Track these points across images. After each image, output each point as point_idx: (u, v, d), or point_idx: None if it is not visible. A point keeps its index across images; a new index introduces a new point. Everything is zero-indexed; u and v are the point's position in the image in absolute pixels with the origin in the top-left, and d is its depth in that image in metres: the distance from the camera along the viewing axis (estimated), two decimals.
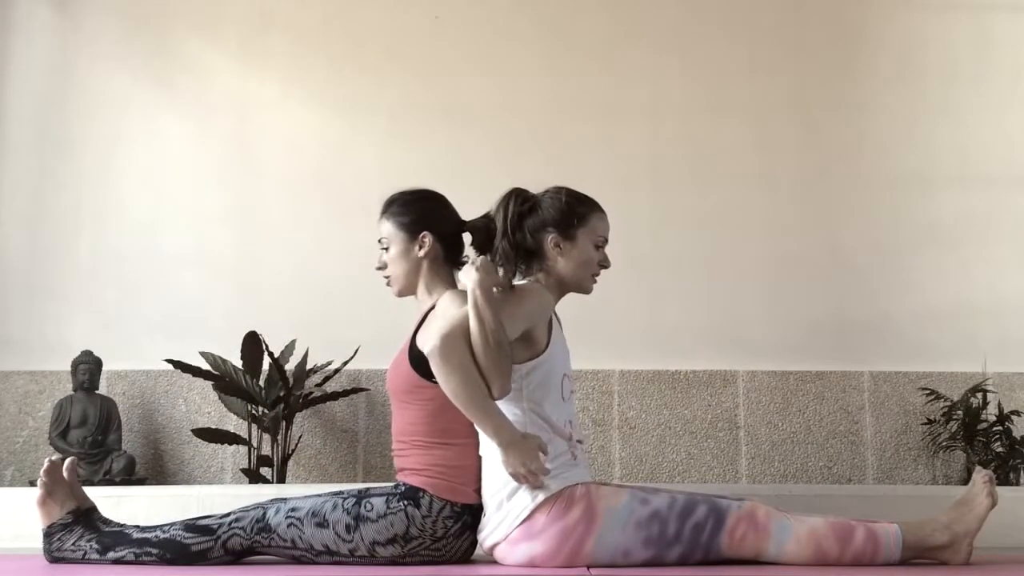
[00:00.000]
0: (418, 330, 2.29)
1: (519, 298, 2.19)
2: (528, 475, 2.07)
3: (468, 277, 2.15)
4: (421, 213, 2.38)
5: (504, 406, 2.16)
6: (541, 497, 2.10)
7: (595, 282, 2.35)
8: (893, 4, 4.21)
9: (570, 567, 2.10)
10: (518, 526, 2.11)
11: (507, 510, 2.13)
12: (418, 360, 2.22)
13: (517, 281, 2.32)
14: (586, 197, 2.37)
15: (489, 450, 2.17)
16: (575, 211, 2.31)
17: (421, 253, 2.35)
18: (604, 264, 2.35)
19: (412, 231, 2.36)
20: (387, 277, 2.40)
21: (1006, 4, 4.18)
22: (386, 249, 2.39)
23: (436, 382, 2.15)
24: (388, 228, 2.39)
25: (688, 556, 2.12)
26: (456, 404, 2.09)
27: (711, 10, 4.17)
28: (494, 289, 2.14)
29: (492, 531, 2.17)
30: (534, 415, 2.17)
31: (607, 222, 2.36)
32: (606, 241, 2.35)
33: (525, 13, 4.15)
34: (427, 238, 2.35)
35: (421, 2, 4.15)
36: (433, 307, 2.30)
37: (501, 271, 2.27)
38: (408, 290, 2.39)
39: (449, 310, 2.19)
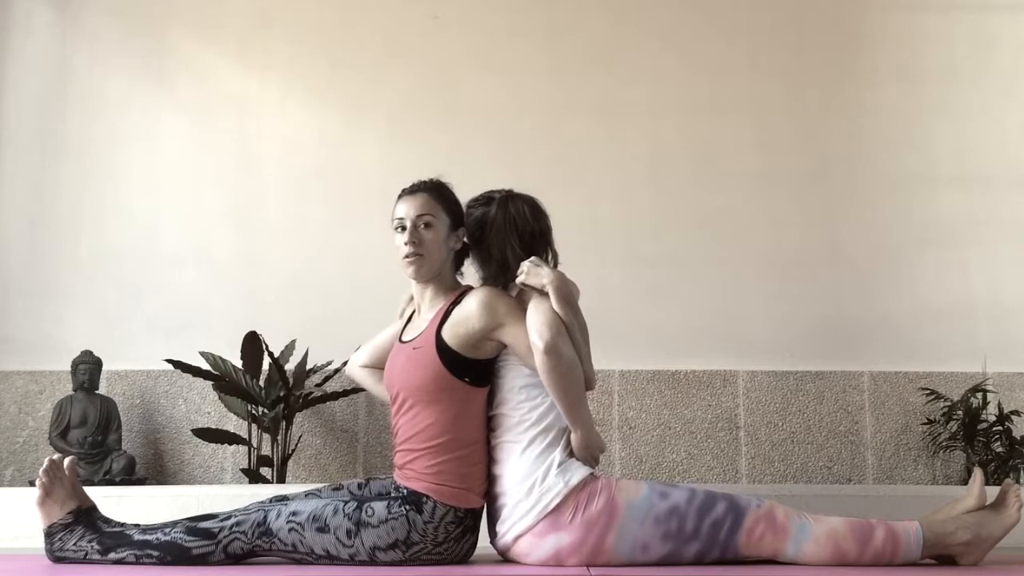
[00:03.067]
0: (441, 326, 2.24)
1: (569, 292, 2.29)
2: (596, 457, 2.24)
3: (541, 276, 2.20)
4: (460, 210, 2.37)
5: (537, 395, 2.22)
6: (574, 480, 2.13)
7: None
8: (893, 4, 4.21)
9: (593, 561, 2.11)
10: (547, 515, 2.11)
11: (538, 495, 2.13)
12: (449, 357, 2.21)
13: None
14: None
15: (521, 439, 2.18)
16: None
17: (457, 247, 2.35)
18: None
19: (456, 222, 2.34)
20: (419, 255, 2.26)
21: (1006, 4, 4.18)
22: (427, 226, 2.27)
23: (468, 381, 2.20)
24: (435, 207, 2.30)
25: (705, 554, 2.12)
26: (562, 399, 2.16)
27: (711, 10, 4.17)
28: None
29: (517, 521, 2.15)
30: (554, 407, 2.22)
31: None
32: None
33: (525, 13, 4.16)
34: (463, 235, 2.36)
35: (421, 2, 4.15)
36: (454, 303, 2.27)
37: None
38: (433, 276, 2.30)
39: (540, 308, 2.18)
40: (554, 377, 2.12)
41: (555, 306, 2.17)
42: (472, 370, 2.22)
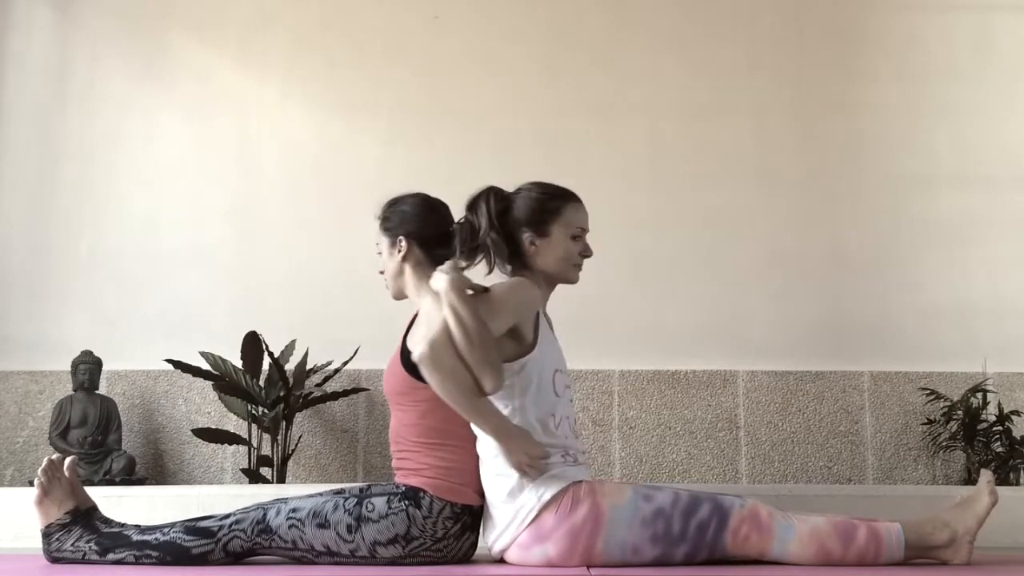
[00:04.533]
0: (407, 332, 2.32)
1: (502, 293, 2.18)
2: (531, 465, 2.10)
3: (437, 282, 2.17)
4: (399, 218, 2.41)
5: (497, 404, 2.16)
6: (548, 495, 2.10)
7: (578, 272, 2.34)
8: (893, 4, 4.21)
9: (589, 563, 2.10)
10: (526, 527, 2.11)
11: (514, 511, 2.13)
12: (410, 362, 2.22)
13: (503, 276, 2.32)
14: (560, 190, 2.35)
15: (487, 452, 2.17)
16: (547, 207, 2.30)
17: (399, 256, 2.38)
18: (585, 254, 2.34)
19: (393, 235, 2.40)
20: (386, 280, 2.46)
21: (1006, 4, 4.18)
22: (380, 253, 2.45)
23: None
24: (378, 233, 2.45)
25: (694, 555, 2.12)
26: (453, 407, 2.10)
27: (711, 10, 4.17)
28: (467, 289, 2.15)
29: (500, 534, 2.16)
30: (527, 412, 2.16)
31: (584, 212, 2.33)
32: (584, 231, 2.33)
33: (525, 13, 4.16)
34: (403, 242, 2.38)
35: (421, 2, 4.15)
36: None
37: (485, 265, 2.29)
38: (398, 293, 2.44)
39: (432, 315, 2.21)
40: (432, 384, 2.08)
41: (446, 310, 2.11)
42: None
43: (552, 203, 2.31)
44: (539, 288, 2.27)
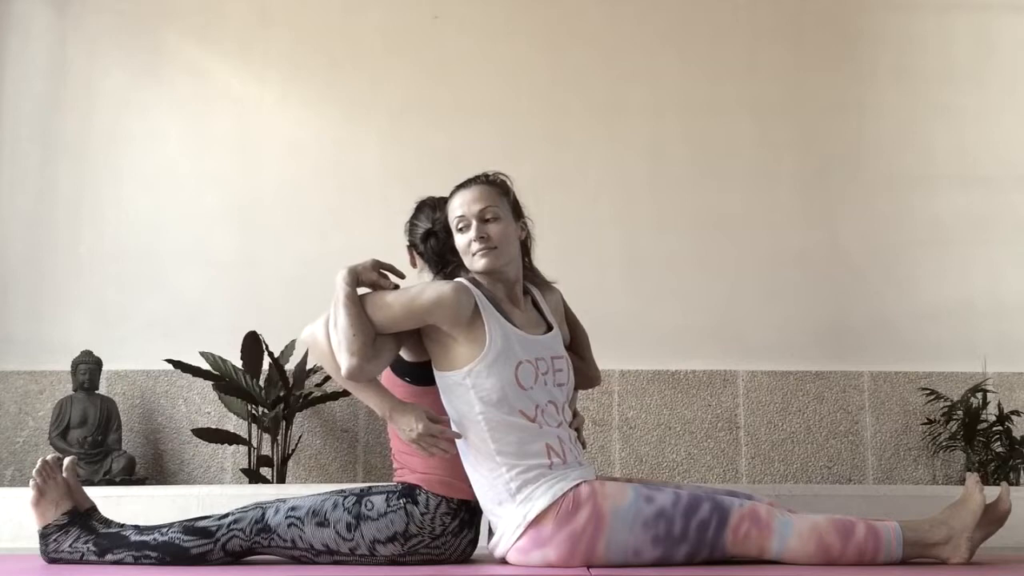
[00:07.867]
0: None
1: (395, 292, 2.21)
2: (423, 439, 2.09)
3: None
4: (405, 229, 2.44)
5: (462, 408, 2.16)
6: (547, 501, 2.09)
7: (483, 258, 2.21)
8: (893, 4, 4.21)
9: (590, 564, 2.10)
10: (525, 532, 2.10)
11: (508, 519, 2.12)
12: (400, 366, 2.26)
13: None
14: (452, 191, 2.33)
15: (464, 453, 2.17)
16: (445, 213, 2.32)
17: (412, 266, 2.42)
18: (475, 240, 2.22)
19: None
20: None
21: (1006, 4, 4.18)
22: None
23: (409, 381, 2.25)
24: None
25: (695, 554, 2.11)
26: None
27: (711, 10, 4.17)
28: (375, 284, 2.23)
29: (499, 540, 2.16)
30: (493, 411, 2.13)
31: (459, 199, 2.26)
32: (462, 218, 2.24)
33: (525, 13, 4.16)
34: (411, 252, 2.42)
35: (421, 2, 4.15)
36: None
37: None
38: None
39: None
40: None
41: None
42: (410, 372, 2.26)
43: (446, 206, 2.32)
44: (468, 287, 2.19)
